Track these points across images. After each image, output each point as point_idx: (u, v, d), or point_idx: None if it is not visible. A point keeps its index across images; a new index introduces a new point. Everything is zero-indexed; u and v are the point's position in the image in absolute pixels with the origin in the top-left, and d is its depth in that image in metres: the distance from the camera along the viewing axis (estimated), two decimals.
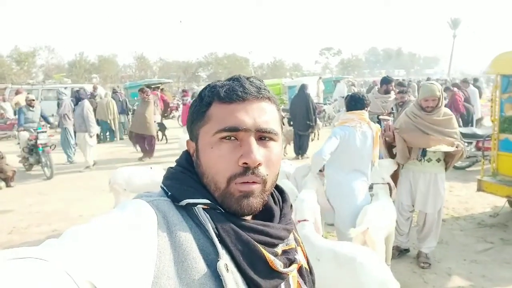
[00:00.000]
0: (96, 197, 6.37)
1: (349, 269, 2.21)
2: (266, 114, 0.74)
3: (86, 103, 8.71)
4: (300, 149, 9.14)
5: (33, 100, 8.19)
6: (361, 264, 2.18)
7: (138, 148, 9.67)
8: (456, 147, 3.45)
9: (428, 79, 15.96)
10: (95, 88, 14.56)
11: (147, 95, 9.57)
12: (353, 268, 2.19)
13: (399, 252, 3.97)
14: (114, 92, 13.81)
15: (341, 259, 2.28)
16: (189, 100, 10.36)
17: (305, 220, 2.78)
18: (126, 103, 13.82)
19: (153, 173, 4.68)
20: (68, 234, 0.58)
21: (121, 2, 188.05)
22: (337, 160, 3.41)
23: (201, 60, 52.98)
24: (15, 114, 14.31)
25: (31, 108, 8.09)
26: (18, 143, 8.35)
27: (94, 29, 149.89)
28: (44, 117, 8.57)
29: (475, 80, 13.61)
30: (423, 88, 3.66)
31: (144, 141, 9.37)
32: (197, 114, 0.76)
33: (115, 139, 12.74)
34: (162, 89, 18.30)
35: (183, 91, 11.76)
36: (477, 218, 4.95)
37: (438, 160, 3.65)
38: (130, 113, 13.81)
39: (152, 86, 17.96)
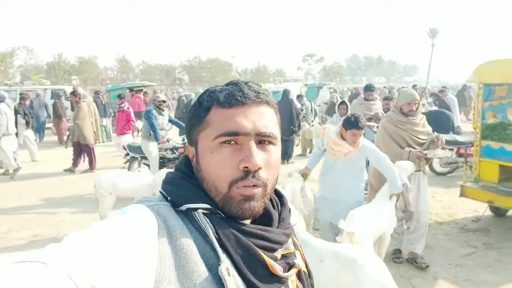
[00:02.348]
0: (78, 200, 6.23)
1: (350, 270, 2.26)
2: (265, 118, 0.74)
3: (1, 105, 7.75)
4: (285, 154, 9.18)
5: (164, 101, 6.53)
6: (362, 266, 2.22)
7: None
8: (450, 149, 3.66)
9: (414, 86, 16.43)
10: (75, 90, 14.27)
11: (79, 98, 8.50)
12: (354, 269, 2.24)
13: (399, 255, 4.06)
14: (97, 94, 13.58)
15: (343, 260, 2.32)
16: (127, 106, 8.85)
17: (294, 225, 2.77)
18: (108, 106, 13.60)
19: (140, 176, 4.61)
20: (70, 239, 0.58)
21: (103, 4, 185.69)
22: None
23: (184, 63, 52.71)
24: None
25: (161, 112, 6.52)
26: (130, 157, 6.80)
27: (75, 31, 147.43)
28: (174, 122, 7.24)
29: (444, 88, 13.89)
30: (403, 94, 3.85)
31: (80, 151, 8.44)
32: (196, 119, 0.76)
33: (97, 142, 12.50)
34: (145, 92, 18.13)
35: (119, 96, 9.96)
36: (460, 223, 5.07)
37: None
38: (112, 116, 13.61)
39: (135, 89, 17.78)
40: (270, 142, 0.75)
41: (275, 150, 0.76)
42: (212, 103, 0.75)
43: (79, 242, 0.56)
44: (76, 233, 0.59)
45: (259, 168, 0.71)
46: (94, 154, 8.58)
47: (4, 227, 5.13)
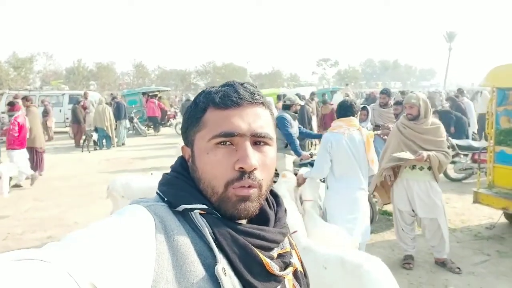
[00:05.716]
0: (92, 203, 6.34)
1: (355, 276, 2.22)
2: (260, 119, 0.75)
3: None
4: None
5: (299, 105, 5.58)
6: (367, 271, 2.19)
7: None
8: (418, 155, 3.58)
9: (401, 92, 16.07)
10: (86, 96, 14.52)
11: (31, 103, 8.57)
12: (360, 275, 2.21)
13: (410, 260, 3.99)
14: (114, 98, 13.86)
15: (348, 266, 2.29)
16: (17, 114, 7.52)
17: (294, 231, 2.71)
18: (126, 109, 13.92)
19: (152, 180, 4.66)
20: (69, 238, 0.59)
21: (120, 11, 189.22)
22: (331, 168, 3.56)
23: (199, 68, 53.16)
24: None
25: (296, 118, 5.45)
26: None
27: (93, 37, 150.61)
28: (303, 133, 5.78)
29: (460, 90, 13.38)
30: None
31: (33, 155, 8.23)
32: (192, 119, 0.77)
33: (111, 145, 12.73)
34: (160, 97, 18.38)
35: (9, 104, 7.84)
36: (474, 230, 4.96)
37: (429, 168, 3.75)
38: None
39: (150, 94, 18.05)
40: (265, 143, 0.76)
41: (271, 150, 0.77)
42: (208, 104, 0.75)
43: (79, 241, 0.57)
44: (76, 232, 0.60)
45: (254, 169, 0.72)
46: (41, 158, 8.39)
47: (19, 229, 5.26)
